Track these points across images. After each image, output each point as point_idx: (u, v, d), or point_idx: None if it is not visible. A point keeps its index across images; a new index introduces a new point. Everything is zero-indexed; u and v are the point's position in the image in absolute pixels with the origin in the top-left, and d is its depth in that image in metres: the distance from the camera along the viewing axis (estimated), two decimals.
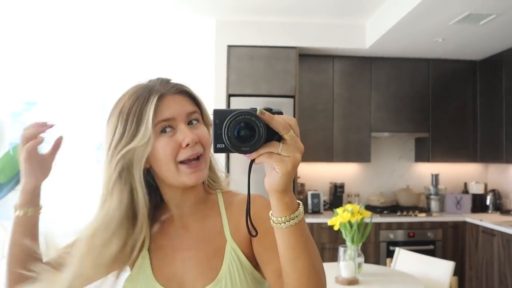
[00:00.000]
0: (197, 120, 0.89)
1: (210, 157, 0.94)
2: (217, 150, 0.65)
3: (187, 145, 0.84)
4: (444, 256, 3.77)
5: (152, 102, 0.83)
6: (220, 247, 0.90)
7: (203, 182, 0.96)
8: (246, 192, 0.73)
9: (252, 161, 0.66)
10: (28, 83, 4.31)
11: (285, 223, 0.68)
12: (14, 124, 4.32)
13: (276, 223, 0.69)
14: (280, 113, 0.67)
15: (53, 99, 4.31)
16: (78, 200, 4.22)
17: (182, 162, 0.84)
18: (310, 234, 0.73)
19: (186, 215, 0.94)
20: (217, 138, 0.64)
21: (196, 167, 0.85)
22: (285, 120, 0.64)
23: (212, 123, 0.65)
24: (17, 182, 4.20)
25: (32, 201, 0.94)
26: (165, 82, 0.90)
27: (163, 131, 0.85)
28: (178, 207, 0.94)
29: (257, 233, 0.74)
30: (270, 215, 0.71)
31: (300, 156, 0.65)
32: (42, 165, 1.00)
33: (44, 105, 4.32)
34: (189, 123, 0.87)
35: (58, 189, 4.25)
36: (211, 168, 0.98)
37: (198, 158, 0.85)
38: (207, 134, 0.89)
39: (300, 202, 0.71)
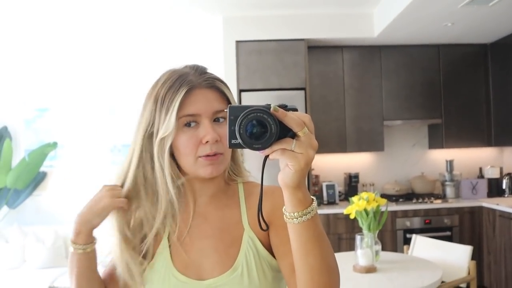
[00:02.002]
0: (224, 118, 0.89)
1: (236, 151, 0.97)
2: (231, 146, 0.66)
3: (207, 142, 0.86)
4: (461, 242, 3.73)
5: (180, 95, 0.86)
6: (237, 236, 0.91)
7: (225, 173, 0.98)
8: (266, 184, 0.74)
9: (266, 157, 0.67)
10: (39, 90, 4.38)
11: (297, 218, 0.69)
12: (27, 131, 4.40)
13: (289, 218, 0.70)
14: (295, 109, 0.67)
15: (65, 105, 4.38)
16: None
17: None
18: (323, 230, 0.73)
19: (206, 204, 0.96)
20: (231, 134, 0.65)
21: (213, 160, 0.87)
22: (299, 117, 0.65)
23: (227, 119, 0.66)
24: (34, 187, 4.29)
25: (89, 238, 0.94)
26: (200, 72, 0.92)
27: (187, 124, 0.88)
28: (199, 196, 0.96)
29: (268, 227, 0.75)
30: (283, 210, 0.72)
31: (314, 153, 0.65)
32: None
33: (56, 111, 4.39)
34: (216, 119, 0.89)
35: (74, 191, 4.33)
36: (235, 161, 0.99)
37: (214, 154, 0.87)
38: None
39: (314, 198, 0.72)
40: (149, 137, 0.90)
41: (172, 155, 0.90)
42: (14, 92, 4.38)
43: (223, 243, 0.92)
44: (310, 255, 0.71)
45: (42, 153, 4.13)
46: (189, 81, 0.88)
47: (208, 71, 0.94)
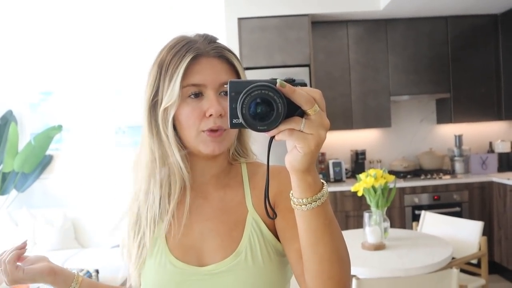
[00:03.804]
0: None
1: (244, 130, 0.90)
2: (232, 126, 0.59)
3: (211, 115, 0.80)
4: (471, 218, 3.70)
5: (185, 62, 0.80)
6: (241, 218, 0.85)
7: (229, 153, 0.92)
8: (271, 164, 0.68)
9: (272, 138, 0.60)
10: (43, 74, 4.35)
11: (306, 205, 0.63)
12: (33, 114, 4.38)
13: (297, 205, 0.64)
14: (304, 84, 0.60)
15: (69, 88, 4.35)
16: (101, 184, 4.30)
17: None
18: (334, 217, 0.67)
19: (206, 184, 0.90)
20: (232, 113, 0.58)
21: (215, 137, 0.81)
22: (308, 92, 0.58)
23: (228, 95, 0.59)
24: (41, 171, 4.31)
25: (66, 283, 0.90)
26: (209, 40, 0.85)
27: (192, 95, 0.82)
28: (200, 176, 0.90)
29: (276, 216, 0.70)
30: (290, 195, 0.66)
31: (325, 134, 0.59)
32: (33, 268, 0.89)
33: (60, 94, 4.36)
34: (222, 92, 0.83)
35: (82, 176, 4.34)
36: (241, 141, 0.93)
37: (217, 130, 0.81)
38: None
39: (325, 182, 0.65)
40: (153, 106, 0.85)
41: (175, 128, 0.85)
42: (19, 76, 4.35)
43: (225, 226, 0.86)
44: (320, 244, 0.66)
45: (47, 136, 4.13)
46: (196, 48, 0.82)
47: (219, 41, 0.87)
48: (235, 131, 0.86)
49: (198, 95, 0.82)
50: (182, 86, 0.80)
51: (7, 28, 4.23)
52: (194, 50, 0.81)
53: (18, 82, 4.35)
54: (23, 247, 0.87)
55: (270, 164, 0.68)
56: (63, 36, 4.30)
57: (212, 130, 0.81)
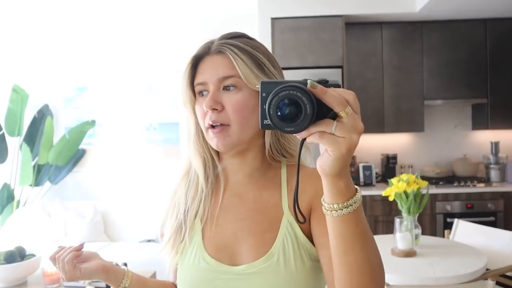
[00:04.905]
0: (235, 85, 0.82)
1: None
2: (263, 126, 0.58)
3: (208, 111, 0.83)
4: (506, 228, 3.57)
5: (189, 65, 0.86)
6: (276, 219, 0.84)
7: (269, 152, 0.90)
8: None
9: (304, 140, 0.59)
10: (78, 70, 4.47)
11: (337, 211, 0.61)
12: (67, 109, 4.50)
13: (328, 210, 0.62)
14: (338, 85, 0.58)
15: (103, 84, 4.45)
16: (131, 179, 4.38)
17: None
18: (367, 225, 0.65)
19: (241, 184, 0.90)
20: (263, 114, 0.57)
21: (215, 133, 0.82)
22: (341, 94, 0.56)
23: (259, 96, 0.58)
24: (74, 164, 4.42)
25: (118, 279, 0.91)
26: (221, 37, 0.87)
27: (200, 93, 0.86)
28: (233, 175, 0.91)
29: (305, 220, 0.69)
30: (321, 200, 0.64)
31: (358, 138, 0.56)
32: (89, 267, 0.90)
33: (94, 90, 4.46)
34: (226, 87, 0.83)
35: (113, 170, 4.43)
36: (275, 141, 0.89)
37: (214, 126, 0.82)
38: (240, 100, 0.82)
39: (358, 188, 0.63)
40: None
41: None
42: (55, 71, 4.48)
43: (259, 226, 0.85)
44: (350, 253, 0.64)
45: (81, 130, 4.24)
46: (203, 48, 0.86)
47: (234, 36, 0.87)
48: (248, 127, 0.84)
49: (203, 93, 0.85)
50: (194, 87, 0.86)
51: (45, 25, 4.37)
52: (200, 50, 0.86)
53: (54, 78, 4.48)
54: (80, 249, 0.89)
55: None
56: (98, 33, 4.40)
57: (212, 126, 0.83)
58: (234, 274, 0.83)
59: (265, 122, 0.58)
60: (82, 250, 0.90)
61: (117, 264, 2.90)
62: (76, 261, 0.88)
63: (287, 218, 0.84)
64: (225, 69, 0.82)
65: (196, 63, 0.87)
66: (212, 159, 0.91)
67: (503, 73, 3.98)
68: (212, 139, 0.84)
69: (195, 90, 0.86)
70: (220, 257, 0.85)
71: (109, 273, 0.89)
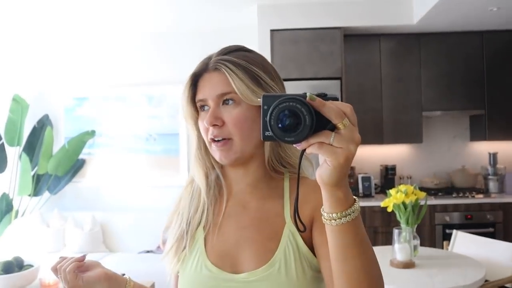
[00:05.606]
0: (233, 99, 0.85)
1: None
2: (265, 138, 0.61)
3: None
4: (505, 239, 3.57)
5: (189, 83, 0.90)
6: (278, 229, 0.86)
7: (269, 163, 0.91)
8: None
9: (304, 151, 0.62)
10: (78, 80, 4.49)
11: (335, 220, 0.63)
12: (67, 119, 4.51)
13: (327, 219, 0.64)
14: (336, 99, 0.61)
15: (103, 94, 4.46)
16: (130, 190, 4.38)
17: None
18: (366, 235, 0.67)
19: (245, 193, 0.92)
20: (264, 126, 0.60)
21: (218, 146, 0.86)
22: (339, 107, 0.59)
23: (261, 109, 0.61)
24: (73, 174, 4.42)
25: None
26: (218, 53, 0.90)
27: (202, 108, 0.89)
28: (236, 184, 0.93)
29: (305, 229, 0.70)
30: (321, 210, 0.66)
31: (355, 148, 0.59)
32: (91, 276, 0.90)
33: (94, 100, 4.48)
34: (226, 102, 0.86)
35: (112, 181, 4.43)
36: (276, 153, 0.91)
37: (214, 140, 0.86)
38: (240, 114, 0.84)
39: (356, 198, 0.65)
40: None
41: None
42: (55, 82, 4.50)
43: (262, 235, 0.87)
44: (349, 263, 0.65)
45: (81, 141, 4.25)
46: (201, 65, 0.89)
47: (231, 50, 0.90)
48: (246, 141, 0.86)
49: (205, 107, 0.88)
50: (195, 103, 0.89)
51: (46, 36, 4.40)
52: (197, 68, 0.89)
53: (54, 88, 4.50)
54: (82, 260, 0.90)
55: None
56: (99, 44, 4.43)
57: (214, 140, 0.86)
58: (235, 281, 0.84)
59: (267, 133, 0.60)
60: (85, 262, 0.91)
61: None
62: (78, 270, 0.88)
63: (289, 227, 0.86)
64: (222, 86, 0.85)
65: (195, 80, 0.90)
66: (214, 170, 0.94)
67: (500, 85, 4.01)
68: (215, 152, 0.87)
69: (197, 105, 0.90)
70: (222, 265, 0.86)
71: (111, 282, 0.90)
